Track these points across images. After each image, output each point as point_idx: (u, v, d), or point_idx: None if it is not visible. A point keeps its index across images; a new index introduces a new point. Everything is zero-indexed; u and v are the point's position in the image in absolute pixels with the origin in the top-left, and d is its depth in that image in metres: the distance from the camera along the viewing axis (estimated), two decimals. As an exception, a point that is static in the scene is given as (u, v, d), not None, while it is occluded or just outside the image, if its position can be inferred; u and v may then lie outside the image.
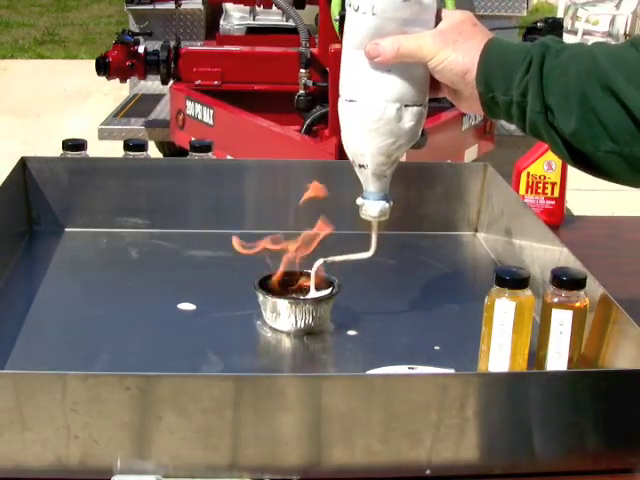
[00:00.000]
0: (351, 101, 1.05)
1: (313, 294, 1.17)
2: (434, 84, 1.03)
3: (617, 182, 0.94)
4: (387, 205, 1.12)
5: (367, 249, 1.17)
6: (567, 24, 7.04)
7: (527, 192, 1.60)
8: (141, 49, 3.56)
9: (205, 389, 0.86)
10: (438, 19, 1.00)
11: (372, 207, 1.12)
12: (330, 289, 1.18)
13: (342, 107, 1.07)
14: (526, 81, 0.92)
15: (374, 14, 0.99)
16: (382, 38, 0.99)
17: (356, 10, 1.00)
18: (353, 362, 1.15)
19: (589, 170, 0.94)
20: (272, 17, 4.42)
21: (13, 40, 8.75)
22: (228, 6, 4.50)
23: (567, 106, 0.90)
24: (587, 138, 0.90)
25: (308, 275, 1.19)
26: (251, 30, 4.50)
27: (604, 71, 0.88)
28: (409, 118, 1.04)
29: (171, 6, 4.21)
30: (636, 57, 0.87)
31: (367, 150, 1.06)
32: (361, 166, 1.09)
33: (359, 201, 1.13)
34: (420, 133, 1.07)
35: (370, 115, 1.03)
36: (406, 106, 1.03)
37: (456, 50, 0.97)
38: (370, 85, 1.03)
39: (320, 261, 1.17)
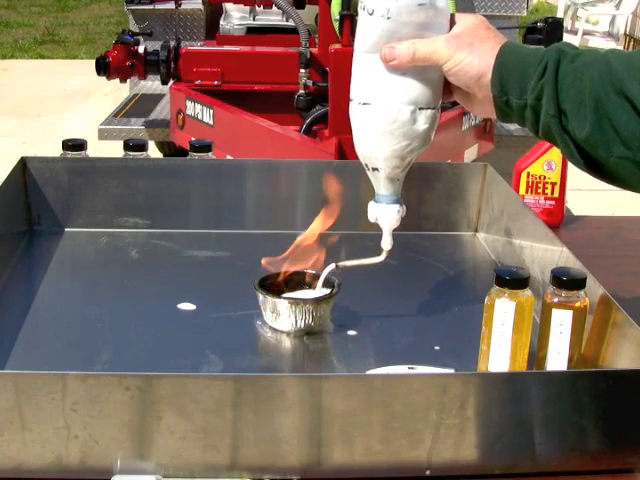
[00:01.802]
0: (365, 104, 1.04)
1: (305, 293, 1.17)
2: (446, 88, 1.04)
3: (628, 189, 0.94)
4: (400, 210, 1.12)
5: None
6: (567, 24, 7.06)
7: (527, 192, 1.60)
8: (141, 49, 3.56)
9: (205, 389, 0.86)
10: (452, 23, 1.01)
11: (385, 219, 1.12)
12: (330, 289, 1.18)
13: (355, 110, 1.06)
14: (541, 85, 0.93)
15: (389, 18, 0.99)
16: (396, 42, 1.00)
17: (370, 14, 1.00)
18: (353, 362, 1.15)
19: (601, 176, 0.94)
20: (272, 17, 4.42)
21: (13, 40, 8.75)
22: (228, 6, 4.50)
23: (581, 111, 0.91)
24: (600, 143, 0.90)
25: (309, 275, 1.19)
26: (251, 30, 4.50)
27: (619, 77, 0.88)
28: (423, 121, 1.04)
29: (171, 6, 4.21)
30: None
31: (381, 153, 1.06)
32: (374, 169, 1.09)
33: (371, 213, 1.13)
34: (434, 136, 1.07)
35: (384, 118, 1.03)
36: (420, 109, 1.03)
37: (471, 53, 0.97)
38: (384, 88, 1.02)
39: (332, 266, 1.17)
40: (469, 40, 0.98)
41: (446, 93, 1.05)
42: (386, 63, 1.01)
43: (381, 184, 1.10)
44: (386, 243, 1.15)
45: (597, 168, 0.93)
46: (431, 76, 1.02)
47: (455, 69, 0.98)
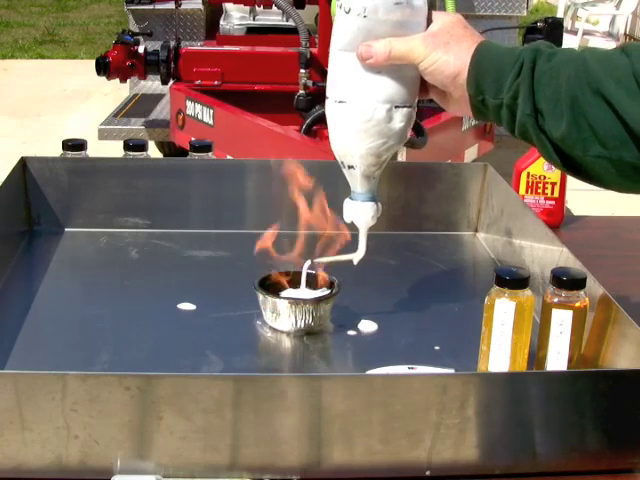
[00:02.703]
0: (341, 102, 1.05)
1: (305, 293, 1.17)
2: (422, 86, 1.04)
3: (605, 187, 0.94)
4: (375, 207, 1.12)
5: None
6: (567, 24, 7.05)
7: (527, 192, 1.60)
8: (141, 49, 3.56)
9: (205, 389, 0.86)
10: (429, 21, 1.01)
11: (361, 217, 1.12)
12: (330, 289, 1.18)
13: (331, 108, 1.07)
14: (517, 84, 0.93)
15: (365, 16, 0.99)
16: (373, 40, 1.00)
17: (347, 12, 1.00)
18: (353, 362, 1.15)
19: (577, 174, 0.94)
20: (272, 17, 4.42)
21: (13, 40, 8.75)
22: (228, 6, 4.50)
23: (557, 110, 0.90)
24: (576, 142, 0.90)
25: (309, 275, 1.19)
26: (251, 30, 4.50)
27: (595, 76, 0.88)
28: (399, 119, 1.04)
29: (171, 6, 4.20)
30: (627, 63, 0.87)
31: (357, 151, 1.06)
32: (350, 167, 1.09)
33: (347, 211, 1.12)
34: (409, 134, 1.07)
35: (360, 116, 1.04)
36: (396, 107, 1.03)
37: (447, 52, 0.97)
38: (360, 86, 1.03)
39: (308, 262, 1.17)
40: (445, 39, 0.98)
41: (422, 91, 1.05)
42: (362, 61, 1.01)
43: (357, 182, 1.10)
44: (362, 243, 1.15)
45: (574, 167, 0.93)
46: (407, 74, 1.02)
47: (431, 68, 0.98)
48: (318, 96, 3.20)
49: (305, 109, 3.23)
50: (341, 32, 1.03)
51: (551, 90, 0.91)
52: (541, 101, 0.92)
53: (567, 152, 0.92)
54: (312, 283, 1.19)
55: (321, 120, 3.09)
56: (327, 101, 1.07)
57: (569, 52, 0.93)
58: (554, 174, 1.59)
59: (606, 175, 0.91)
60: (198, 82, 3.59)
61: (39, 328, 1.18)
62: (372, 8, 0.99)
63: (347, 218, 1.13)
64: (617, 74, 0.87)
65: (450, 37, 0.98)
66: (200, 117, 3.42)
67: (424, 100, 1.09)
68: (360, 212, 1.12)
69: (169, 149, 4.40)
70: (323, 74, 3.18)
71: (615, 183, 0.92)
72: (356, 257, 1.16)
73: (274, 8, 3.60)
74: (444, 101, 1.04)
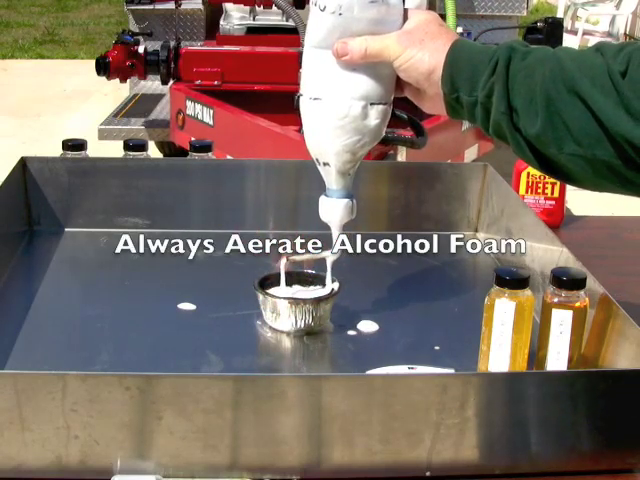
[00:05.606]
0: (316, 99, 1.05)
1: (286, 292, 1.17)
2: (397, 83, 1.04)
3: (579, 186, 0.94)
4: (350, 204, 1.12)
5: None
6: (567, 24, 7.05)
7: (527, 192, 1.60)
8: (141, 49, 3.56)
9: (205, 389, 0.86)
10: (405, 18, 1.01)
11: (336, 213, 1.12)
12: (330, 289, 1.18)
13: (306, 105, 1.07)
14: (492, 82, 0.93)
15: (340, 14, 0.99)
16: (348, 37, 1.00)
17: (322, 10, 1.00)
18: (353, 362, 1.15)
19: (552, 173, 0.94)
20: (272, 17, 4.41)
21: (13, 40, 8.75)
22: (228, 6, 4.49)
23: (532, 108, 0.90)
24: (551, 140, 0.90)
25: (306, 275, 1.19)
26: (251, 30, 4.50)
27: (570, 74, 0.88)
28: (375, 116, 1.04)
29: (171, 6, 4.20)
30: (601, 62, 0.87)
31: (332, 148, 1.06)
32: (325, 164, 1.09)
33: (322, 208, 1.12)
34: (384, 131, 1.07)
35: (336, 113, 1.04)
36: (372, 104, 1.03)
37: (422, 50, 0.98)
38: (336, 83, 1.03)
39: (283, 260, 1.18)
40: (420, 36, 0.98)
41: (397, 89, 1.05)
42: (338, 58, 1.01)
43: (332, 179, 1.10)
44: (336, 239, 1.15)
45: (549, 166, 0.93)
46: (382, 72, 1.02)
47: (405, 65, 0.99)
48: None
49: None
50: (316, 29, 1.02)
51: (526, 88, 0.91)
52: (516, 99, 0.92)
53: (542, 150, 0.92)
54: (312, 281, 1.19)
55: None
56: (301, 98, 1.07)
57: (544, 51, 0.93)
58: (554, 174, 1.59)
59: (581, 173, 0.91)
60: (198, 82, 3.59)
61: (39, 328, 1.18)
62: (347, 6, 0.99)
63: (322, 215, 1.13)
64: (592, 73, 0.87)
65: (425, 34, 0.98)
66: (200, 117, 3.42)
67: None
68: (335, 209, 1.12)
69: (169, 149, 4.40)
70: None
71: (590, 182, 0.92)
72: (331, 255, 1.16)
73: (274, 8, 3.60)
74: (418, 99, 1.04)
